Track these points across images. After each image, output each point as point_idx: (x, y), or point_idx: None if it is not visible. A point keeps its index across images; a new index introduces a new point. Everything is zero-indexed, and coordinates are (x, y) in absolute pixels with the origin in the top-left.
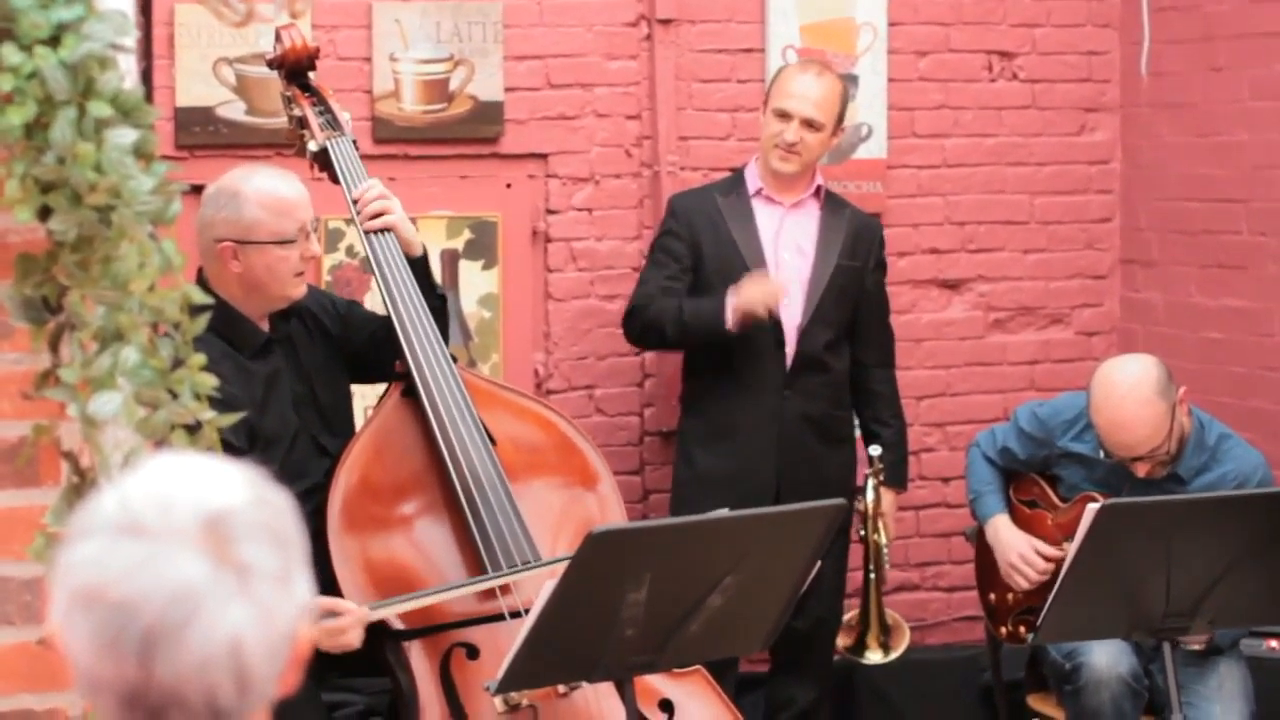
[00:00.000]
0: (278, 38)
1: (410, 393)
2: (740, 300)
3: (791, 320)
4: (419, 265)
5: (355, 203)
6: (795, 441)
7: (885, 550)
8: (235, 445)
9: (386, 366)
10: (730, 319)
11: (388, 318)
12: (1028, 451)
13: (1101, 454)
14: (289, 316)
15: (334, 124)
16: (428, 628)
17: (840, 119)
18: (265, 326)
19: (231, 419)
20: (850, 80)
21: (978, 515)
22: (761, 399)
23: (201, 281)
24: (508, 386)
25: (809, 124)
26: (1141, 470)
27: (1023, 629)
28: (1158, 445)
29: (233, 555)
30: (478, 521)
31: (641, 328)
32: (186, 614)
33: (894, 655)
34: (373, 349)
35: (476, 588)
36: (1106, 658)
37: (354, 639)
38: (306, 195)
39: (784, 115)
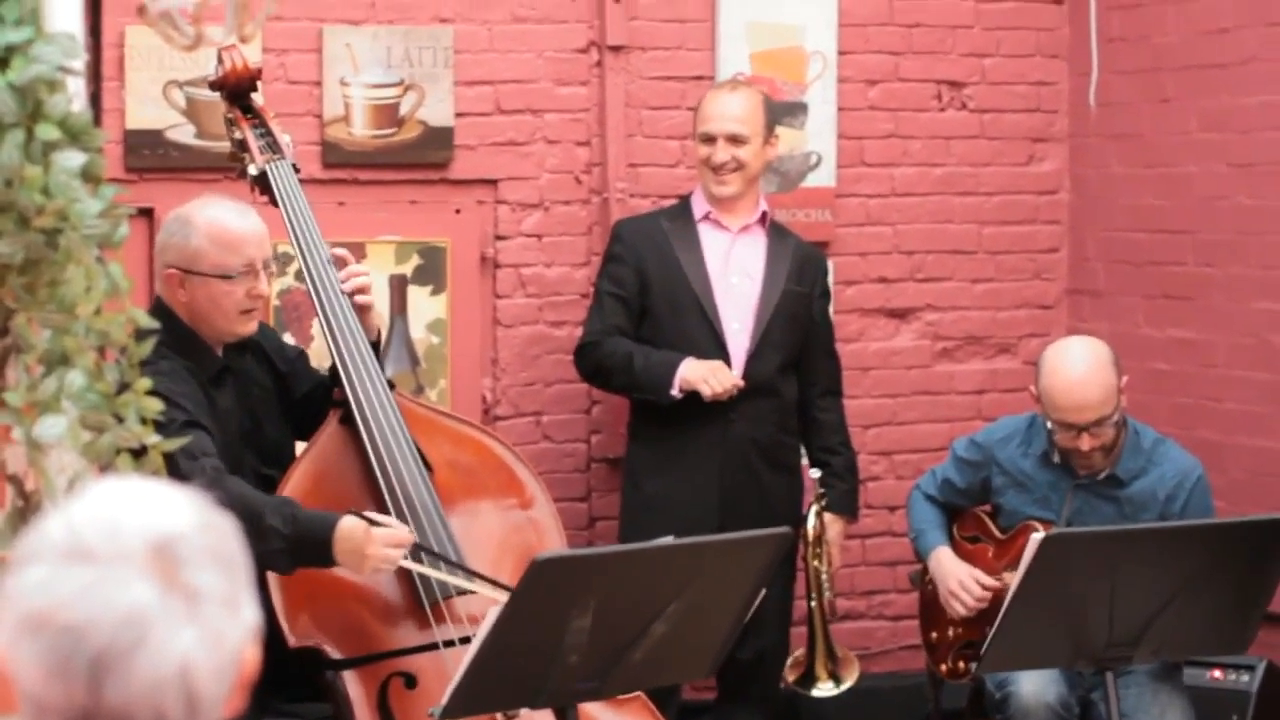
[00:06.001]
0: (219, 59)
1: (347, 420)
2: (689, 375)
3: (739, 345)
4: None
5: (338, 263)
6: (740, 466)
7: (826, 578)
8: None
9: (316, 426)
10: (677, 388)
11: (327, 382)
12: (967, 479)
13: (1045, 445)
14: (243, 349)
15: (274, 147)
16: (364, 657)
17: (769, 127)
18: (220, 353)
19: (178, 443)
20: (800, 108)
21: (920, 551)
22: (708, 423)
23: (161, 303)
24: (446, 412)
25: (734, 139)
26: (1086, 445)
27: (962, 664)
28: (1107, 414)
29: (181, 579)
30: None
31: (592, 368)
32: (136, 638)
33: (845, 686)
34: (308, 405)
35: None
36: (1033, 686)
37: (399, 556)
38: (262, 232)
39: (709, 139)
